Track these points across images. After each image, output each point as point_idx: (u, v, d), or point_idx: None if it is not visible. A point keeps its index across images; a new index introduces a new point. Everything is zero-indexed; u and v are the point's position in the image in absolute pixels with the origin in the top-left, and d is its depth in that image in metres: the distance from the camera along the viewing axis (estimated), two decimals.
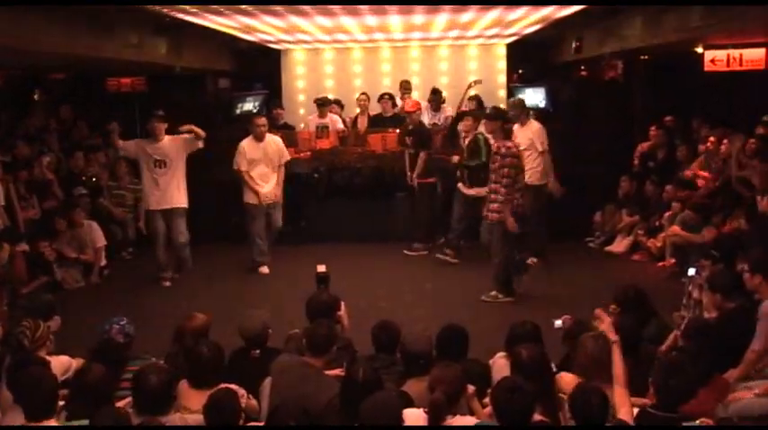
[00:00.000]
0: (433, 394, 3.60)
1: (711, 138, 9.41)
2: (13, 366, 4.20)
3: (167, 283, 8.56)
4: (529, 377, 3.64)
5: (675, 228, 8.40)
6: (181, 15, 8.48)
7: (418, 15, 9.33)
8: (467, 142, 8.96)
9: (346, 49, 12.84)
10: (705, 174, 9.19)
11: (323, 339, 4.33)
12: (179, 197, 8.45)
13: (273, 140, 9.10)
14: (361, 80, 12.74)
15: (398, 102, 11.41)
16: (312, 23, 9.66)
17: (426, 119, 10.58)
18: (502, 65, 12.95)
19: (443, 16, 9.30)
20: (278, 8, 8.32)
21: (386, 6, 8.26)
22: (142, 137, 9.01)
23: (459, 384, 3.68)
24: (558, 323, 4.97)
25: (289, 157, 9.27)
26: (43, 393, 3.69)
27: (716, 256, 5.91)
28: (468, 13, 9.10)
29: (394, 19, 9.40)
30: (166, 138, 8.40)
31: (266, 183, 8.91)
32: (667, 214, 8.92)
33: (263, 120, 9.17)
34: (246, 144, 8.93)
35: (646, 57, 11.57)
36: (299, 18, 9.09)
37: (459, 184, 9.08)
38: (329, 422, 3.81)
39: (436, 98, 10.74)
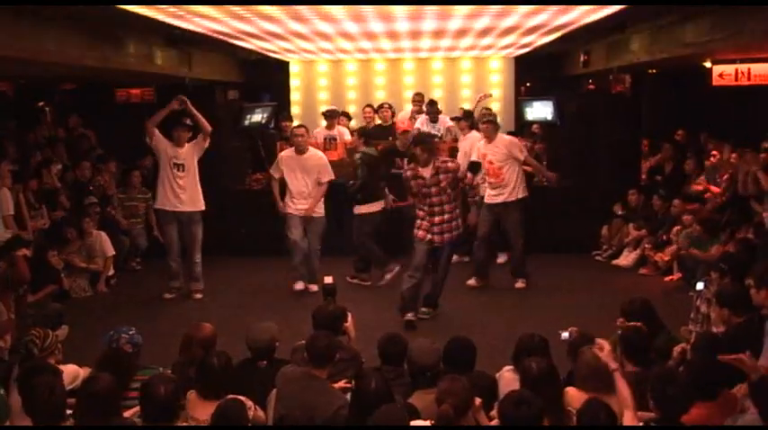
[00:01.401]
0: (441, 407, 3.60)
1: (714, 152, 9.42)
2: (25, 374, 4.21)
3: (169, 296, 8.46)
4: (538, 390, 3.63)
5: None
6: (193, 27, 8.54)
7: (426, 40, 9.49)
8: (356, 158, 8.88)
9: (366, 61, 12.95)
10: (715, 189, 9.18)
11: (322, 351, 4.32)
12: (197, 201, 8.38)
13: (315, 155, 8.58)
14: (385, 92, 12.88)
15: (407, 112, 11.45)
16: (335, 45, 9.82)
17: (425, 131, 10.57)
18: (510, 78, 13.01)
19: (446, 41, 9.44)
20: (304, 31, 8.44)
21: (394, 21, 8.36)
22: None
23: (467, 397, 3.68)
24: (565, 335, 4.96)
25: (331, 176, 8.52)
26: (53, 402, 3.69)
27: (724, 270, 5.88)
28: (468, 39, 9.25)
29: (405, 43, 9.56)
30: (187, 145, 8.37)
31: (302, 200, 8.41)
32: (676, 229, 8.89)
33: (301, 130, 8.66)
34: (285, 154, 8.58)
35: (654, 71, 11.60)
36: (323, 41, 9.23)
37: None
38: None
39: (433, 109, 10.75)
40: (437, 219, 7.35)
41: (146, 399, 3.82)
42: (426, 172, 7.33)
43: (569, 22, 8.50)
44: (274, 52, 10.94)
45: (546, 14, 7.91)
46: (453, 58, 12.87)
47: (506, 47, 10.89)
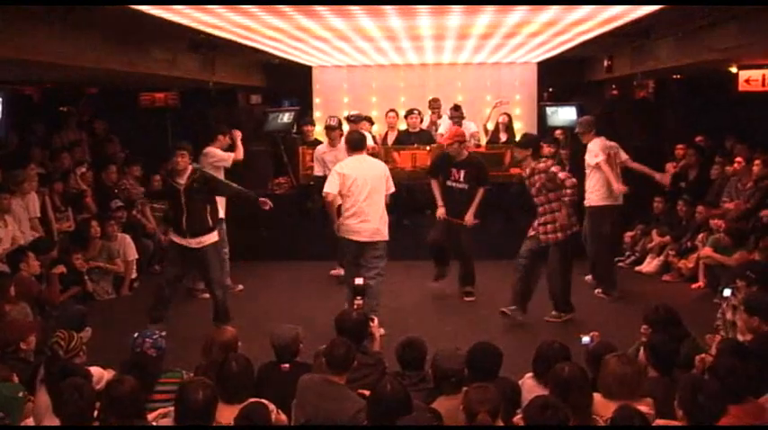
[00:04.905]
0: (478, 416, 3.55)
1: (738, 159, 9.29)
2: (55, 375, 4.24)
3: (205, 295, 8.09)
4: (567, 394, 3.60)
5: (708, 250, 8.29)
6: (215, 32, 8.58)
7: (449, 40, 9.43)
8: (189, 180, 7.16)
9: (380, 67, 12.95)
10: (731, 205, 9.02)
11: (341, 358, 4.35)
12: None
13: (377, 165, 7.38)
14: (406, 96, 12.84)
15: (426, 119, 11.45)
16: (352, 46, 9.80)
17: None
18: (532, 83, 12.96)
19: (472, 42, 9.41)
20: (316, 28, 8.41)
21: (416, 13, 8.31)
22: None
23: (498, 403, 3.63)
24: (586, 340, 4.95)
25: (393, 188, 7.46)
26: (83, 404, 3.72)
27: (752, 278, 5.81)
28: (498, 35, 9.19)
29: (425, 24, 9.50)
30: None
31: (366, 221, 7.13)
32: (701, 235, 8.80)
33: (365, 125, 7.64)
34: (347, 166, 7.09)
35: (678, 76, 11.50)
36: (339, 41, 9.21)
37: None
38: None
39: (457, 114, 10.70)
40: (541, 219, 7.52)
41: (182, 404, 3.79)
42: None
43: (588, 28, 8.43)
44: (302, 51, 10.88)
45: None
46: (491, 63, 12.83)
47: (530, 51, 10.80)
